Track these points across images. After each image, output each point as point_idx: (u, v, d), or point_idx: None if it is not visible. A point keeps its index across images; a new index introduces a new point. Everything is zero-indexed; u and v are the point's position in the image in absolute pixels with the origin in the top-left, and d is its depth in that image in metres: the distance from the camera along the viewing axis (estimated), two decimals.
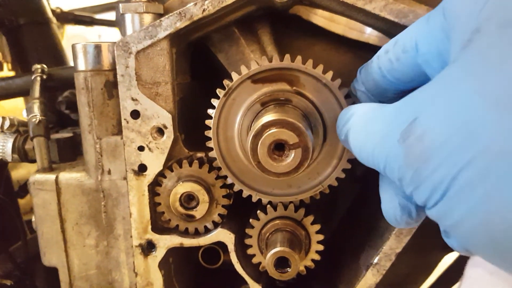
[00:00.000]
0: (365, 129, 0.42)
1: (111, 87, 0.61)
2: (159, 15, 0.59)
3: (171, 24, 0.56)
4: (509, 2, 0.31)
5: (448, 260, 0.91)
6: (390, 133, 0.36)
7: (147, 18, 0.59)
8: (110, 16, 1.76)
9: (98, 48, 0.61)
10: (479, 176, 0.28)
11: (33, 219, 0.73)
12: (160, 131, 0.61)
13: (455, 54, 0.34)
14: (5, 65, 1.51)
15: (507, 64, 0.28)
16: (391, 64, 0.46)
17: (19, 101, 1.37)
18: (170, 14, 0.56)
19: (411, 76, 0.45)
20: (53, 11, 1.25)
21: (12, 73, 1.46)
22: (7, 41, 1.16)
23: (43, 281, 0.98)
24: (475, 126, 0.28)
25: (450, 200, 0.30)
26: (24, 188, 1.10)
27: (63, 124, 0.98)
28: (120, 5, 0.59)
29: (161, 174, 0.63)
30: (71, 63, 1.21)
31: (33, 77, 0.75)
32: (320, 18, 0.73)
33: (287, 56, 0.56)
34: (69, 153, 0.74)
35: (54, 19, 1.17)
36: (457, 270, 0.91)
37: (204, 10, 0.55)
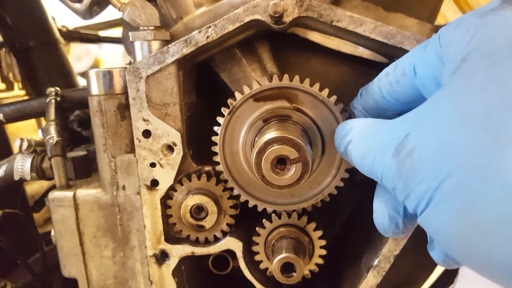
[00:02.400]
0: (366, 142, 0.45)
1: (123, 109, 0.66)
2: (166, 42, 0.64)
3: (178, 50, 0.61)
4: (493, 35, 0.35)
5: None
6: (387, 147, 0.39)
7: (155, 44, 0.63)
8: (114, 32, 1.81)
9: (110, 74, 0.65)
10: (456, 189, 0.31)
11: (52, 233, 0.77)
12: (170, 148, 0.65)
13: (445, 79, 0.38)
14: (15, 85, 1.56)
15: (484, 90, 0.32)
16: (391, 86, 0.50)
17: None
18: (177, 41, 0.61)
19: (409, 97, 0.48)
20: (59, 30, 1.30)
21: (22, 92, 1.51)
22: (18, 62, 1.21)
23: None
24: (454, 144, 0.32)
25: (433, 209, 0.34)
26: (39, 203, 1.14)
27: (75, 140, 1.03)
28: (130, 33, 0.64)
29: (172, 188, 0.67)
30: (78, 79, 1.26)
31: (48, 100, 0.80)
32: (316, 34, 0.77)
33: (286, 76, 0.60)
34: (84, 170, 0.78)
35: (61, 39, 1.22)
36: (456, 269, 0.94)
37: (208, 37, 0.60)
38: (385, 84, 0.51)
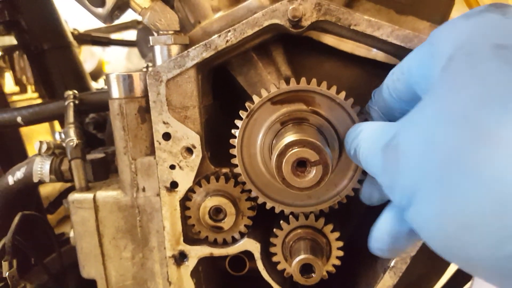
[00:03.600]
0: (369, 143, 0.47)
1: (144, 112, 0.67)
2: (185, 46, 0.65)
3: (197, 54, 0.62)
4: (476, 35, 0.36)
5: None
6: (380, 145, 0.41)
7: (175, 49, 0.64)
8: (125, 35, 1.83)
9: (130, 78, 0.66)
10: (436, 184, 0.32)
11: (71, 235, 0.78)
12: (189, 150, 0.66)
13: (434, 79, 0.40)
14: (28, 88, 1.58)
15: (464, 89, 0.33)
16: (394, 84, 0.51)
17: None
18: (197, 45, 0.62)
19: (408, 96, 0.50)
20: (71, 33, 1.32)
21: (35, 95, 1.53)
22: (31, 65, 1.23)
23: None
24: (434, 140, 0.33)
25: (416, 204, 0.34)
26: (53, 205, 1.16)
27: (90, 143, 1.04)
28: (150, 38, 0.65)
29: (191, 190, 0.68)
30: (92, 83, 1.28)
31: (66, 103, 0.81)
32: (330, 38, 0.78)
33: (303, 79, 0.61)
34: (103, 172, 0.80)
35: (75, 42, 1.23)
36: None
37: (227, 41, 0.61)
38: (390, 82, 0.53)
